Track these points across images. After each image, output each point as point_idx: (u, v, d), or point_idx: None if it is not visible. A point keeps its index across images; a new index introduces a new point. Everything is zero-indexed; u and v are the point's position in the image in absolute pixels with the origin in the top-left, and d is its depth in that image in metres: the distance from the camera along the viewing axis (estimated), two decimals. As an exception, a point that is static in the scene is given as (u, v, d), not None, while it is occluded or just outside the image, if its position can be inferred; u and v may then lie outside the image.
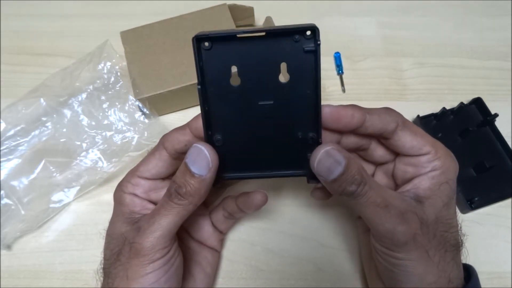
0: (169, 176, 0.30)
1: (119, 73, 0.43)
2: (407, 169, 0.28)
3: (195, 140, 0.27)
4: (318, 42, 0.24)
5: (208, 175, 0.25)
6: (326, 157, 0.25)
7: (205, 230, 0.35)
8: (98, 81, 0.43)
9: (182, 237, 0.33)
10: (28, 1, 0.53)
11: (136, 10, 0.52)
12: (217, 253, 0.36)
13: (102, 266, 0.28)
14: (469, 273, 0.28)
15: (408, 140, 0.28)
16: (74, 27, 0.51)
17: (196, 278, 0.33)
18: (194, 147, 0.25)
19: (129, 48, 0.43)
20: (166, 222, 0.25)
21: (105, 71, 0.43)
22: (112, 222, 0.29)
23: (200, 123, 0.26)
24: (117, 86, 0.42)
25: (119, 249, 0.27)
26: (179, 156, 0.28)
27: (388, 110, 0.29)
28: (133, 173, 0.30)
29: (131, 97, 0.42)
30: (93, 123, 0.42)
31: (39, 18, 0.52)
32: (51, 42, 0.50)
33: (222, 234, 0.36)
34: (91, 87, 0.43)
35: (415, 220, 0.25)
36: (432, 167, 0.27)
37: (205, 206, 0.36)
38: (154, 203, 0.30)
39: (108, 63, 0.43)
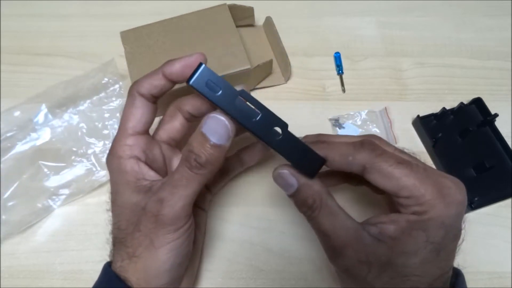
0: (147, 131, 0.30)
1: (122, 90, 0.43)
2: (395, 205, 0.26)
3: (170, 84, 0.29)
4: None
5: (228, 143, 0.26)
6: (279, 178, 0.28)
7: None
8: (101, 94, 0.43)
9: None
10: (28, 1, 0.53)
11: (136, 10, 0.52)
12: (206, 213, 0.37)
13: (113, 235, 0.28)
14: (456, 274, 0.28)
15: (380, 182, 0.25)
16: (74, 27, 0.51)
17: (196, 238, 0.33)
18: (213, 117, 0.26)
19: (129, 48, 0.43)
20: (188, 192, 0.26)
21: (109, 85, 0.44)
22: (117, 192, 0.28)
23: (174, 68, 0.28)
24: (119, 100, 0.43)
25: (137, 219, 0.27)
26: (155, 101, 0.30)
27: (356, 148, 0.26)
28: (123, 133, 0.29)
29: None
30: (92, 131, 0.42)
31: (39, 18, 0.52)
32: (51, 42, 0.50)
33: (211, 195, 0.37)
34: (94, 98, 0.43)
35: (350, 256, 0.25)
36: (412, 211, 0.25)
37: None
38: (152, 163, 0.29)
39: (112, 79, 0.44)
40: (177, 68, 0.28)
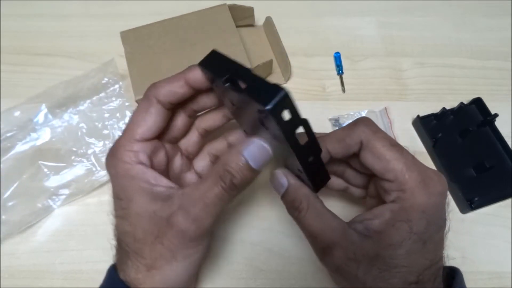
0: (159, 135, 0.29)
1: (122, 90, 0.43)
2: (380, 191, 0.27)
3: (190, 92, 0.28)
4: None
5: (262, 168, 0.27)
6: (273, 178, 0.29)
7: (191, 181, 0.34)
8: (101, 94, 0.43)
9: None
10: (28, 1, 0.53)
11: (136, 10, 0.52)
12: None
13: (125, 243, 0.27)
14: (453, 274, 0.28)
15: (370, 162, 0.26)
16: (74, 27, 0.51)
17: None
18: (257, 143, 0.26)
19: (129, 48, 0.43)
20: (218, 210, 0.26)
21: (109, 85, 0.44)
22: (130, 199, 0.26)
23: (197, 75, 0.27)
24: (119, 100, 0.43)
25: (158, 231, 0.26)
26: (171, 107, 0.29)
27: (351, 128, 0.27)
28: (130, 138, 0.27)
29: (129, 113, 0.43)
30: (92, 131, 0.42)
31: (39, 18, 0.52)
32: (51, 42, 0.50)
33: None
34: (94, 98, 0.43)
35: (339, 255, 0.25)
36: (394, 197, 0.25)
37: (188, 159, 0.34)
38: (157, 167, 0.29)
39: (112, 79, 0.43)
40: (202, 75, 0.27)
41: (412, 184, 0.24)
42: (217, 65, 0.26)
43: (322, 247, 0.26)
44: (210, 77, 0.27)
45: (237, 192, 0.26)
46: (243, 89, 0.24)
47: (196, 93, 0.29)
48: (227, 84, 0.25)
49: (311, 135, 0.26)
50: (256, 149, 0.26)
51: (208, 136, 0.34)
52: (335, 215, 0.27)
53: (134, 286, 0.26)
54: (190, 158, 0.34)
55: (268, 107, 0.23)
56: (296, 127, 0.25)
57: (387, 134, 0.27)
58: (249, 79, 0.24)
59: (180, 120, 0.31)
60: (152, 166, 0.28)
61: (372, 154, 0.26)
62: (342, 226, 0.26)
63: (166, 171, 0.30)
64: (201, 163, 0.34)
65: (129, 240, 0.27)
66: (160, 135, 0.30)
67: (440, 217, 0.25)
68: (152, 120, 0.27)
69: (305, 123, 0.25)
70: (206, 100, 0.30)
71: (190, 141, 0.33)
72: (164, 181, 0.27)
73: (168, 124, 0.30)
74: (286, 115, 0.24)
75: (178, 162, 0.32)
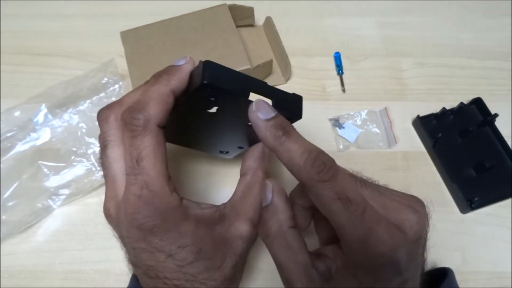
0: None
1: (122, 90, 0.43)
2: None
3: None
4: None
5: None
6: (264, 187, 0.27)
7: None
8: (101, 94, 0.43)
9: None
10: (28, 1, 0.53)
11: (136, 10, 0.52)
12: None
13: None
14: (444, 274, 0.28)
15: (317, 205, 0.24)
16: (74, 27, 0.51)
17: None
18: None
19: (129, 48, 0.43)
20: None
21: (109, 85, 0.44)
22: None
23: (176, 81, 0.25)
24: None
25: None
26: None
27: (307, 163, 0.23)
28: (163, 180, 0.24)
29: None
30: (92, 131, 0.42)
31: (39, 18, 0.52)
32: (51, 42, 0.50)
33: None
34: (94, 98, 0.43)
35: None
36: (343, 247, 0.24)
37: None
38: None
39: (112, 79, 0.43)
40: (176, 81, 0.25)
41: (352, 242, 0.22)
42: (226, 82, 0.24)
43: (286, 278, 0.25)
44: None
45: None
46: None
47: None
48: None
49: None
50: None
51: None
52: (303, 247, 0.26)
53: None
54: None
55: (205, 80, 0.23)
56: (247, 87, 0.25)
57: (352, 176, 0.24)
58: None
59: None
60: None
61: (317, 201, 0.23)
62: (305, 263, 0.25)
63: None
64: None
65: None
66: None
67: (393, 273, 0.23)
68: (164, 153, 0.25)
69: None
70: None
71: None
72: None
73: None
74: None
75: None
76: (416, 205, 0.24)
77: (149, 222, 0.23)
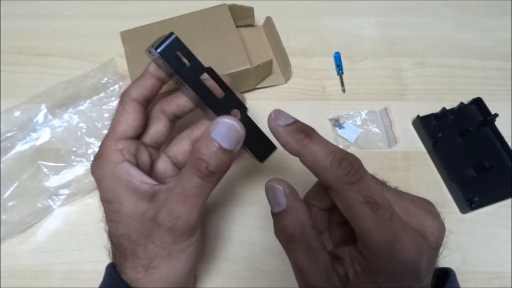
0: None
1: (122, 90, 0.43)
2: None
3: (158, 83, 0.30)
4: None
5: (238, 148, 0.25)
6: (271, 191, 0.25)
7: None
8: (101, 94, 0.43)
9: None
10: (28, 1, 0.53)
11: (136, 10, 0.52)
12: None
13: (123, 246, 0.27)
14: (446, 275, 0.28)
15: (341, 209, 0.23)
16: (74, 27, 0.51)
17: None
18: (223, 122, 0.25)
19: (129, 48, 0.43)
20: (201, 201, 0.26)
21: (109, 85, 0.44)
22: (119, 201, 0.27)
23: (155, 67, 0.29)
24: (119, 100, 0.43)
25: (149, 231, 0.26)
26: (147, 105, 0.30)
27: (333, 165, 0.22)
28: (113, 137, 0.28)
29: None
30: (92, 131, 0.42)
31: (39, 18, 0.52)
32: (51, 42, 0.50)
33: None
34: (94, 98, 0.43)
35: None
36: (361, 248, 0.23)
37: (177, 168, 0.34)
38: (141, 168, 0.28)
39: (112, 79, 0.44)
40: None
41: (377, 248, 0.21)
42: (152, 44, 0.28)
43: (307, 283, 0.25)
44: (162, 67, 0.29)
45: (216, 178, 0.25)
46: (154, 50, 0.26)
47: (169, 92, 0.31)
48: (149, 52, 0.27)
49: (224, 87, 0.26)
50: (224, 128, 0.25)
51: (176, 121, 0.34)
52: (323, 248, 0.25)
53: (135, 287, 0.26)
54: (179, 167, 0.34)
55: (159, 49, 0.25)
56: (199, 73, 0.26)
57: (375, 180, 0.24)
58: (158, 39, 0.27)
59: (162, 124, 0.32)
60: (137, 166, 0.28)
61: (343, 204, 0.23)
62: (327, 267, 0.24)
63: (149, 173, 0.30)
64: None
65: (125, 242, 0.27)
66: (142, 137, 0.31)
67: (413, 280, 0.22)
68: (131, 118, 0.29)
69: (209, 70, 0.26)
70: (180, 100, 0.32)
71: (181, 149, 0.33)
72: (148, 179, 0.27)
73: (150, 128, 0.31)
74: (185, 60, 0.25)
75: (162, 166, 0.32)
76: (433, 209, 0.24)
77: (103, 193, 0.28)
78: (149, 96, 0.30)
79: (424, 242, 0.22)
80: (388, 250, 0.21)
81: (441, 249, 0.24)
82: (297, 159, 0.24)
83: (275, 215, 0.25)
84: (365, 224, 0.21)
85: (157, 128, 0.32)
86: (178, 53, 0.25)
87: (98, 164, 0.28)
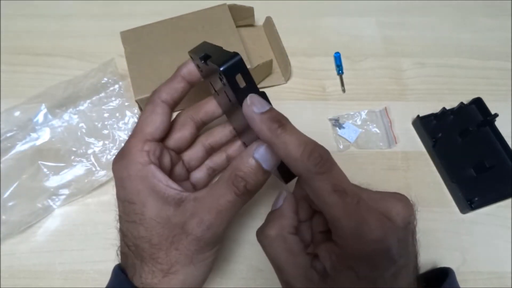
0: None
1: (122, 90, 0.44)
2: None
3: (187, 86, 0.30)
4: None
5: (274, 169, 0.26)
6: (278, 194, 0.28)
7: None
8: (101, 94, 0.43)
9: None
10: (28, 1, 0.53)
11: (136, 10, 0.52)
12: None
13: (140, 249, 0.27)
14: (446, 274, 0.28)
15: (312, 198, 0.24)
16: (74, 27, 0.51)
17: None
18: (265, 145, 0.25)
19: (129, 48, 0.43)
20: (231, 215, 0.26)
21: (109, 85, 0.44)
22: (144, 204, 0.26)
23: (190, 67, 0.29)
24: (118, 100, 0.43)
25: (173, 237, 0.26)
26: (174, 107, 0.30)
27: (304, 155, 0.23)
28: (141, 138, 0.28)
29: (129, 113, 0.43)
30: (92, 131, 0.42)
31: (39, 18, 0.52)
32: (51, 42, 0.50)
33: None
34: (93, 98, 0.43)
35: None
36: (335, 237, 0.24)
37: (187, 172, 0.34)
38: (163, 171, 0.28)
39: (112, 79, 0.44)
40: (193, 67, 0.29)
41: (346, 232, 0.23)
42: (202, 50, 0.28)
43: (286, 281, 0.26)
44: (203, 72, 0.29)
45: (250, 197, 0.26)
46: (210, 60, 0.26)
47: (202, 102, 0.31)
48: (203, 62, 0.26)
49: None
50: (265, 150, 0.25)
51: (212, 153, 0.35)
52: (302, 250, 0.26)
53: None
54: (189, 171, 0.34)
55: (222, 68, 0.24)
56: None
57: (333, 173, 0.23)
58: (218, 52, 0.26)
59: (188, 131, 0.32)
60: (161, 168, 0.28)
61: (313, 194, 0.24)
62: (305, 265, 0.26)
63: (169, 177, 0.30)
64: (197, 174, 0.35)
65: (144, 245, 0.26)
66: (165, 140, 0.31)
67: (387, 260, 0.23)
68: (159, 120, 0.29)
69: (263, 94, 0.26)
70: (210, 106, 0.32)
71: (195, 155, 0.34)
72: (174, 184, 0.27)
73: (176, 132, 0.32)
74: (241, 81, 0.25)
75: (178, 170, 0.32)
76: (399, 196, 0.25)
77: (125, 193, 0.27)
78: (178, 98, 0.30)
79: (389, 222, 0.23)
80: (356, 232, 0.22)
81: (415, 230, 0.25)
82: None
83: (268, 214, 0.28)
84: (334, 211, 0.22)
85: (183, 134, 0.32)
86: (239, 74, 0.25)
87: (123, 163, 0.27)
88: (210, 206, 0.26)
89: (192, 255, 0.26)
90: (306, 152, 0.23)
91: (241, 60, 0.24)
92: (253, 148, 0.25)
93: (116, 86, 0.44)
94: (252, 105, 0.24)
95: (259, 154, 0.25)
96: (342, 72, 0.48)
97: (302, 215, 0.28)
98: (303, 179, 0.23)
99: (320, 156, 0.23)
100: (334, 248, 0.24)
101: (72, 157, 0.41)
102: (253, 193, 0.26)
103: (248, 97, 0.25)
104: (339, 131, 0.44)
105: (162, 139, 0.30)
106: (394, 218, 0.23)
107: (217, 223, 0.26)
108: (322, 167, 0.22)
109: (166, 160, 0.30)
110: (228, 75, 0.24)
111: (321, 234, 0.28)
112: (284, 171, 0.28)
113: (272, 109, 0.25)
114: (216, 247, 0.28)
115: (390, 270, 0.23)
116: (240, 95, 0.25)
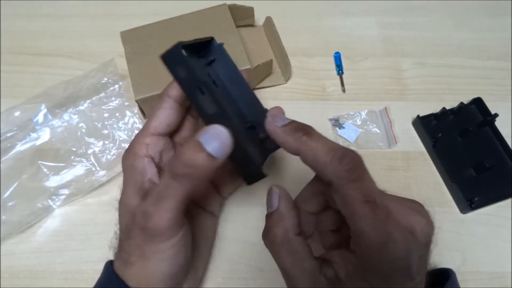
0: (174, 133, 0.30)
1: (122, 90, 0.44)
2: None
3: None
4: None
5: (223, 159, 0.24)
6: (269, 192, 0.27)
7: (207, 195, 0.34)
8: (101, 94, 0.44)
9: None
10: (28, 1, 0.53)
11: (136, 10, 0.52)
12: (216, 218, 0.37)
13: (117, 235, 0.28)
14: (447, 275, 0.28)
15: (340, 207, 0.23)
16: (74, 27, 0.51)
17: (199, 244, 0.33)
18: (214, 127, 0.24)
19: (129, 48, 0.43)
20: (173, 204, 0.25)
21: (109, 85, 0.44)
22: (124, 191, 0.28)
23: None
24: (118, 100, 0.43)
25: (129, 227, 0.26)
26: (185, 103, 0.29)
27: (334, 160, 0.22)
28: (144, 132, 0.29)
29: (129, 113, 0.43)
30: (92, 131, 0.42)
31: (39, 18, 0.52)
32: (51, 42, 0.50)
33: (223, 198, 0.36)
34: (93, 98, 0.43)
35: None
36: (354, 246, 0.23)
37: None
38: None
39: (112, 79, 0.44)
40: None
41: (371, 246, 0.22)
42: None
43: (292, 285, 0.25)
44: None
45: (188, 181, 0.24)
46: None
47: None
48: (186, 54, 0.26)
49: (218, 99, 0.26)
50: (213, 133, 0.24)
51: None
52: (309, 253, 0.25)
53: (121, 277, 0.27)
54: None
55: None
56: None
57: (365, 181, 0.23)
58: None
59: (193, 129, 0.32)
60: (160, 163, 0.29)
61: (343, 202, 0.23)
62: (313, 270, 0.25)
63: None
64: None
65: (118, 231, 0.28)
66: (175, 135, 0.31)
67: (405, 277, 0.22)
68: (163, 115, 0.29)
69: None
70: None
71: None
72: (157, 180, 0.28)
73: (187, 128, 0.31)
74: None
75: None
76: (421, 208, 0.24)
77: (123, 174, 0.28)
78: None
79: (413, 239, 0.22)
80: (382, 248, 0.21)
81: (432, 246, 0.24)
82: (297, 161, 0.24)
83: (266, 217, 0.27)
84: (362, 223, 0.22)
85: (194, 130, 0.32)
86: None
87: (125, 154, 0.29)
88: (152, 194, 0.25)
89: (142, 247, 0.26)
90: (337, 157, 0.22)
91: (179, 46, 0.25)
92: (199, 133, 0.24)
93: (116, 86, 0.44)
94: (274, 121, 0.25)
95: (205, 136, 0.24)
96: (342, 72, 0.48)
97: (313, 208, 0.27)
98: (334, 186, 0.22)
99: (352, 161, 0.22)
100: (351, 258, 0.23)
101: (72, 157, 0.41)
102: (189, 177, 0.24)
103: (268, 114, 0.25)
104: (339, 131, 0.44)
105: (171, 134, 0.30)
106: (418, 234, 0.22)
107: (157, 212, 0.24)
108: (353, 173, 0.22)
109: (170, 155, 0.30)
110: (166, 62, 0.25)
111: (331, 233, 0.28)
112: (248, 172, 0.27)
113: (294, 120, 0.25)
114: (170, 240, 0.26)
115: (406, 286, 0.22)
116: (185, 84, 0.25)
